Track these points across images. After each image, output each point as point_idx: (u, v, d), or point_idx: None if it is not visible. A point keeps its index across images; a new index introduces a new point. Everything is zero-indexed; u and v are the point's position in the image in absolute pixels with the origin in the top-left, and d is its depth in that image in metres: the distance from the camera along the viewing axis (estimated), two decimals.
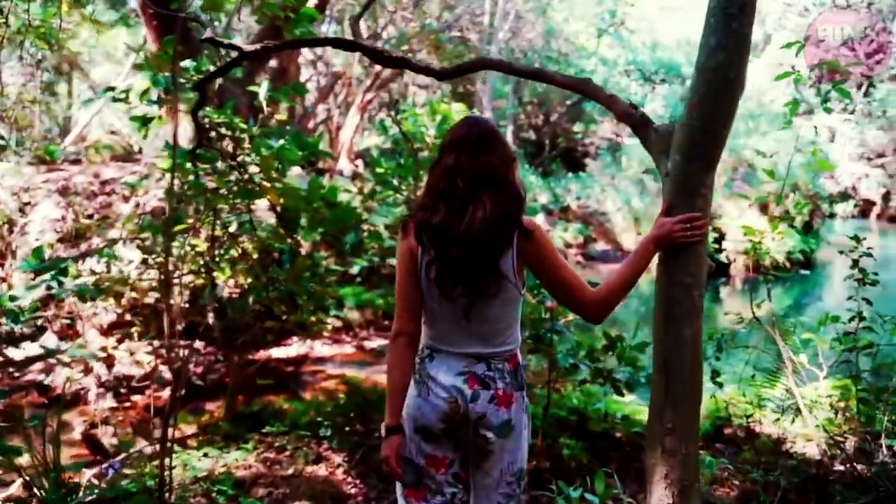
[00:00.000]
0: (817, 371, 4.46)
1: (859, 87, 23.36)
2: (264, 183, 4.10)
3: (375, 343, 8.95)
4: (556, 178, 18.79)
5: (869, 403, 4.27)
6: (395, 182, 5.14)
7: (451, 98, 17.26)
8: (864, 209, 23.74)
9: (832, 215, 20.70)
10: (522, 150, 19.58)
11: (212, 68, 4.21)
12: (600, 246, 17.07)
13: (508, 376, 2.09)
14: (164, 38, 3.65)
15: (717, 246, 14.90)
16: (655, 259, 2.22)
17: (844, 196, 22.44)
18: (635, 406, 5.23)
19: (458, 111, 5.40)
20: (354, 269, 6.70)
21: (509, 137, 18.18)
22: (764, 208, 14.46)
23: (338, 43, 2.67)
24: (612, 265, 15.65)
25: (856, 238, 4.35)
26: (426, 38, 16.73)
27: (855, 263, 4.35)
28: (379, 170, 5.10)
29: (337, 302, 9.43)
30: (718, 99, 2.10)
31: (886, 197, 23.58)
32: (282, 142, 4.27)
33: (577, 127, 20.72)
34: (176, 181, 4.63)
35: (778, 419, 4.17)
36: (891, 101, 22.28)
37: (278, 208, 4.23)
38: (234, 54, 2.90)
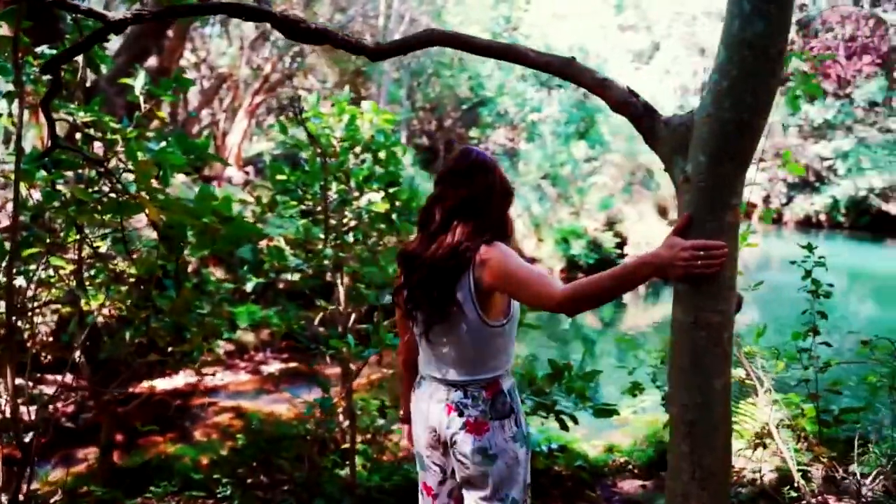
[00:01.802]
0: (758, 386, 4.15)
1: None
2: (142, 194, 3.35)
3: (273, 367, 8.17)
4: None
5: (828, 424, 3.98)
6: (300, 191, 4.46)
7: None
8: (748, 211, 24.69)
9: None
10: (418, 157, 19.04)
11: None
12: None
13: (483, 404, 2.08)
14: (2, 11, 2.87)
15: (618, 251, 14.88)
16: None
17: None
18: (572, 435, 4.78)
19: (367, 111, 4.78)
20: (248, 286, 5.94)
21: (403, 142, 17.52)
22: (662, 212, 14.54)
23: (239, 11, 2.02)
24: None
25: (808, 247, 4.07)
26: None
27: (807, 274, 4.06)
28: (280, 177, 4.41)
29: (229, 322, 8.60)
30: (757, 81, 1.60)
31: (766, 199, 24.62)
32: (163, 144, 3.53)
33: (474, 132, 20.40)
34: (33, 193, 3.83)
35: (739, 450, 3.78)
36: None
37: (159, 224, 3.48)
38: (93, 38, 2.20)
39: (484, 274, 1.99)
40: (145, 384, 6.98)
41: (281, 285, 9.51)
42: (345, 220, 4.67)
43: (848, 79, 22.35)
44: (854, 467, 3.48)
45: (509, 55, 1.91)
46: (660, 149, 1.78)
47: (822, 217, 23.54)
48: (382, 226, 4.65)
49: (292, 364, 8.13)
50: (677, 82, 20.70)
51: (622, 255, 14.97)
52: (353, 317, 4.79)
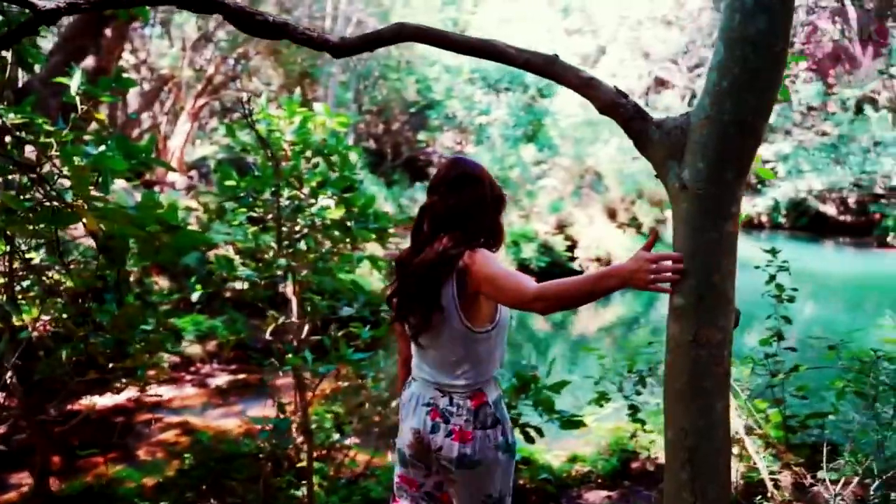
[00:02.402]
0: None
1: (683, 97, 24.76)
2: (78, 202, 3.10)
3: (221, 379, 7.85)
4: (400, 188, 18.17)
5: (794, 430, 3.95)
6: (250, 197, 4.24)
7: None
8: None
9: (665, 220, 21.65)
10: (366, 160, 18.80)
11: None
12: None
13: (467, 414, 2.12)
14: None
15: (569, 254, 14.88)
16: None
17: None
18: (535, 445, 4.67)
19: (320, 113, 4.58)
20: (194, 296, 5.68)
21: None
22: (612, 215, 14.62)
23: (187, 2, 1.83)
24: None
25: (772, 251, 4.04)
26: (261, 41, 15.60)
27: (772, 279, 4.03)
28: (229, 182, 4.18)
29: (174, 334, 8.22)
30: (760, 81, 1.50)
31: None
32: (102, 148, 3.27)
33: (422, 135, 20.25)
34: None
35: None
36: None
37: (98, 234, 3.23)
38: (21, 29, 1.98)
39: (467, 280, 2.04)
40: (84, 401, 6.62)
41: (227, 294, 9.19)
42: (297, 228, 4.47)
43: (786, 84, 22.94)
44: (823, 474, 3.43)
45: (489, 52, 1.77)
46: (652, 154, 1.66)
47: (764, 218, 24.08)
48: (337, 233, 4.47)
49: (241, 376, 7.83)
50: (623, 85, 20.89)
51: (573, 259, 14.96)
52: (306, 328, 4.59)
